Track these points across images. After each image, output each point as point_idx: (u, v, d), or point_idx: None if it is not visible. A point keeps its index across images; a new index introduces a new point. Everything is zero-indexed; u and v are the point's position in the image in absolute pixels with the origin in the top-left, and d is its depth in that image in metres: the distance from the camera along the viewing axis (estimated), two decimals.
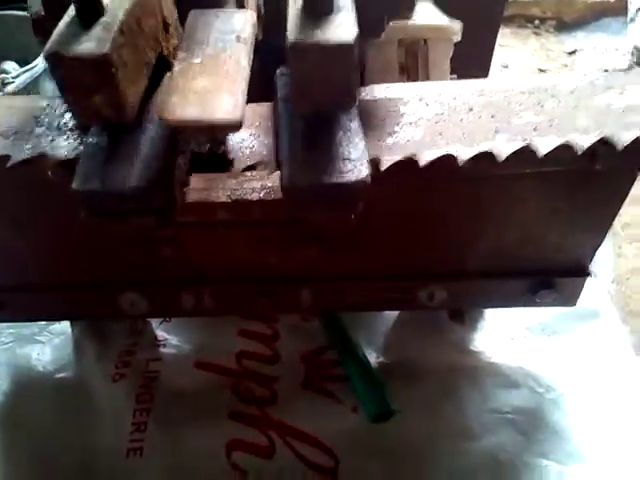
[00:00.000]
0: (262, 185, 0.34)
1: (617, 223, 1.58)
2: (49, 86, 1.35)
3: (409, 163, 0.31)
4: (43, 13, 0.32)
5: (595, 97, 0.33)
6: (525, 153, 0.30)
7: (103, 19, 0.27)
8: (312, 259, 0.42)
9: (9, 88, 1.24)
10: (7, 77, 1.25)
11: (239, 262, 0.42)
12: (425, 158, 0.30)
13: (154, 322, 0.54)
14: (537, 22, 2.44)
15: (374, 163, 0.31)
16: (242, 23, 0.31)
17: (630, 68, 2.13)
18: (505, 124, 0.31)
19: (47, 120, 0.34)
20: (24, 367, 0.51)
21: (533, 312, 0.51)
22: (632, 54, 2.15)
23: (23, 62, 1.31)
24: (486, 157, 0.30)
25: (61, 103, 0.36)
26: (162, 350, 0.52)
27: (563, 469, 0.44)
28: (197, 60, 0.29)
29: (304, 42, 0.25)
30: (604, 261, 0.48)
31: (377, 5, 0.31)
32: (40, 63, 1.27)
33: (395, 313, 0.53)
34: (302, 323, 0.53)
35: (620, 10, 2.32)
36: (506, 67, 2.23)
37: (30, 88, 1.28)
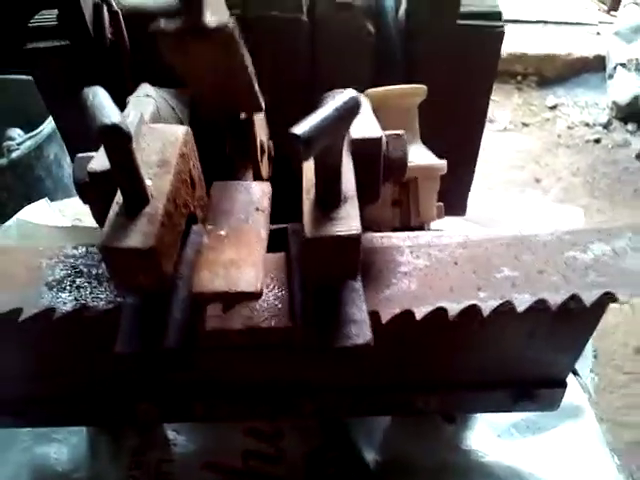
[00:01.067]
0: (272, 314, 0.39)
1: None
2: (52, 151, 1.41)
3: (406, 316, 0.35)
4: (87, 180, 0.37)
5: (564, 253, 0.38)
6: (505, 309, 0.35)
7: (147, 209, 0.32)
8: (316, 374, 0.46)
9: (14, 154, 1.30)
10: (12, 144, 1.31)
11: (248, 377, 0.46)
12: (420, 312, 0.35)
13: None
14: (520, 78, 2.57)
15: (375, 316, 0.35)
16: (260, 195, 0.36)
17: (609, 122, 2.25)
18: (486, 280, 0.37)
19: (86, 270, 0.39)
20: (43, 467, 0.54)
21: None
22: (611, 109, 2.27)
23: (24, 125, 1.36)
24: (471, 311, 0.35)
25: (97, 252, 0.40)
26: (172, 449, 0.55)
27: None
28: (223, 232, 0.34)
29: (319, 236, 0.30)
30: (585, 355, 0.52)
31: (377, 180, 0.36)
32: (44, 130, 1.32)
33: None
34: (304, 422, 0.56)
35: (599, 66, 2.46)
36: (491, 122, 2.34)
37: (33, 153, 1.33)
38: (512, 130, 2.35)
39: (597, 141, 2.23)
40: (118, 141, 0.27)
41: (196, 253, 0.35)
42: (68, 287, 0.38)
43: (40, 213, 0.76)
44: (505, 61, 2.58)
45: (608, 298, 0.34)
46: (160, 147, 0.36)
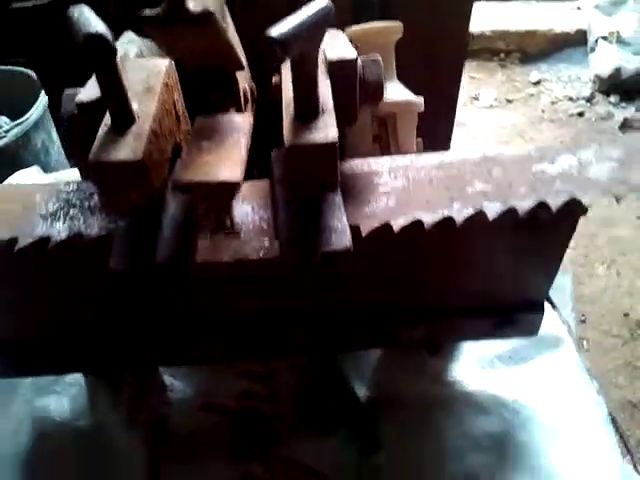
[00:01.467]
0: (260, 246, 0.41)
1: (590, 245, 1.68)
2: (39, 138, 1.41)
3: (385, 228, 0.37)
4: (76, 112, 0.38)
5: (532, 167, 0.40)
6: (477, 217, 0.37)
7: (134, 128, 0.33)
8: (304, 305, 0.48)
9: (1, 142, 1.30)
10: (0, 132, 1.31)
11: (241, 311, 0.48)
12: (398, 224, 0.37)
13: (161, 368, 0.59)
14: (502, 55, 2.59)
15: (356, 230, 0.37)
16: (241, 121, 0.38)
17: (592, 96, 2.28)
18: (459, 194, 0.38)
19: (78, 202, 0.40)
20: (43, 418, 0.56)
21: (502, 342, 0.58)
22: (594, 82, 2.30)
23: (14, 114, 1.37)
24: (446, 222, 0.37)
25: (88, 186, 0.42)
26: (169, 394, 0.57)
27: None
28: (205, 144, 0.35)
29: (298, 144, 0.32)
30: (564, 289, 0.54)
31: (353, 102, 0.38)
32: (30, 117, 1.33)
33: (379, 350, 0.59)
34: (297, 362, 0.58)
35: (580, 41, 2.48)
36: (476, 99, 2.36)
37: (20, 141, 1.33)
38: (497, 107, 2.38)
39: (581, 114, 2.26)
40: (104, 51, 0.29)
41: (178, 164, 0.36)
42: (62, 218, 0.39)
43: (31, 179, 0.77)
44: (487, 39, 2.60)
45: (573, 204, 0.36)
46: (144, 77, 0.38)
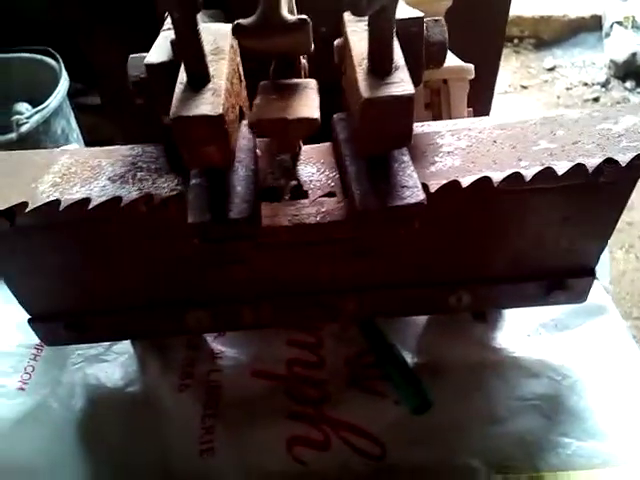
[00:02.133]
0: (317, 210, 0.41)
1: None
2: (59, 125, 1.42)
3: (453, 186, 0.38)
4: (143, 76, 0.39)
5: (596, 126, 0.40)
6: (546, 174, 0.37)
7: (210, 85, 0.34)
8: (357, 272, 0.49)
9: (23, 128, 1.31)
10: (21, 118, 1.32)
11: (296, 278, 0.49)
12: (466, 181, 0.37)
13: (209, 337, 0.60)
14: (516, 41, 2.58)
15: (424, 187, 0.38)
16: (307, 82, 0.38)
17: (608, 81, 2.26)
18: (525, 153, 0.39)
19: (145, 166, 0.41)
20: (96, 385, 0.57)
21: (546, 310, 0.58)
22: (609, 68, 2.28)
23: (35, 101, 1.38)
24: (516, 178, 0.37)
25: (153, 150, 0.42)
26: (220, 362, 0.58)
27: (582, 444, 0.50)
28: (274, 97, 0.36)
29: (377, 97, 0.32)
30: (603, 263, 0.55)
31: (419, 62, 0.38)
32: (50, 104, 1.34)
33: (425, 317, 0.59)
34: (343, 332, 0.59)
35: (595, 26, 2.47)
36: (496, 81, 2.35)
37: (41, 128, 1.34)
38: (512, 93, 2.36)
39: (596, 100, 2.24)
40: (189, 4, 0.29)
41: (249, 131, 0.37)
42: (130, 180, 0.40)
43: None
44: None
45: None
46: (212, 39, 0.38)
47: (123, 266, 0.46)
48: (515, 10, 2.56)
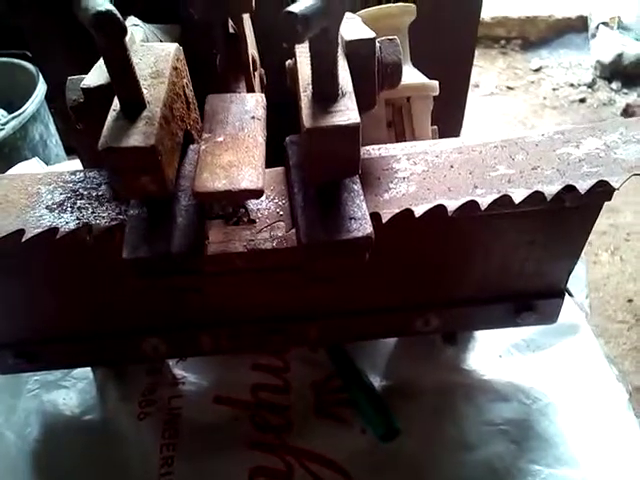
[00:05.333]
0: (272, 235, 0.39)
1: (593, 231, 1.68)
2: (37, 131, 1.39)
3: (406, 215, 0.36)
4: (82, 101, 0.37)
5: (556, 150, 0.39)
6: (503, 202, 0.36)
7: (145, 113, 0.32)
8: (318, 297, 0.47)
9: None
10: None
11: (254, 304, 0.47)
12: (420, 210, 0.36)
13: (171, 361, 0.58)
14: (503, 42, 2.57)
15: (376, 217, 0.36)
16: (254, 105, 0.36)
17: (594, 82, 2.26)
18: (482, 179, 0.37)
19: (86, 193, 0.39)
20: (52, 413, 0.55)
21: (518, 330, 0.57)
22: (595, 68, 2.28)
23: (11, 107, 1.35)
24: (471, 207, 0.36)
25: (96, 175, 0.40)
26: (181, 387, 0.56)
27: (553, 472, 0.49)
28: (220, 139, 0.34)
29: (319, 127, 0.30)
30: (578, 277, 0.53)
31: (372, 84, 0.36)
32: (27, 109, 1.31)
33: (394, 339, 0.58)
34: (310, 354, 0.57)
35: (581, 26, 2.46)
36: (477, 86, 2.34)
37: (18, 134, 1.32)
38: (498, 94, 2.36)
39: (582, 101, 2.24)
40: (114, 29, 0.27)
41: (196, 159, 0.35)
42: (69, 209, 0.38)
43: (31, 171, 0.76)
44: (487, 26, 2.57)
45: (601, 186, 0.35)
46: (153, 61, 0.36)
47: (70, 294, 0.44)
48: (501, 11, 2.55)
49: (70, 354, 0.49)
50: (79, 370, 0.57)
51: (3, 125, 1.31)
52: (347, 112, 0.31)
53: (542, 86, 2.37)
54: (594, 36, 2.42)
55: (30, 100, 1.33)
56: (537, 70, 2.47)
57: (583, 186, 0.35)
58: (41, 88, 1.35)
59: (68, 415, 0.55)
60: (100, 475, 0.51)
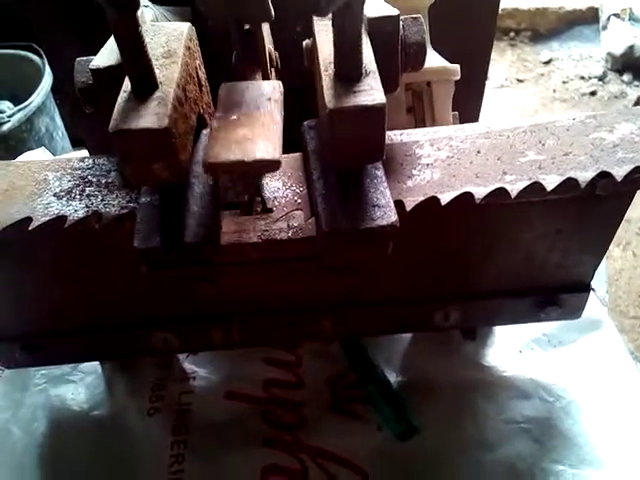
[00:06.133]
0: (289, 225, 0.38)
1: None
2: (43, 123, 1.38)
3: (431, 203, 0.34)
4: (91, 82, 0.35)
5: (589, 135, 0.37)
6: (534, 189, 0.34)
7: (157, 94, 0.30)
8: (334, 289, 0.45)
9: (5, 127, 1.27)
10: (3, 117, 1.28)
11: (267, 296, 0.45)
12: (446, 197, 0.34)
13: (181, 356, 0.56)
14: (512, 34, 2.54)
15: (399, 205, 0.34)
16: (271, 89, 0.34)
17: (605, 74, 2.23)
18: (511, 165, 0.35)
19: (95, 180, 0.37)
20: (60, 408, 0.53)
21: (539, 325, 0.55)
22: (606, 61, 2.24)
23: (17, 99, 1.34)
24: (500, 194, 0.34)
25: (105, 162, 0.39)
26: (192, 383, 0.54)
27: (577, 472, 0.47)
28: (234, 117, 0.32)
29: (343, 107, 0.28)
30: (599, 272, 0.52)
31: (395, 65, 0.34)
32: (33, 102, 1.30)
33: (411, 334, 0.56)
34: (323, 348, 0.56)
35: (592, 18, 2.43)
36: (486, 79, 2.31)
37: (24, 126, 1.31)
38: (507, 87, 2.33)
39: (593, 93, 2.21)
40: (126, 2, 0.26)
41: (202, 137, 0.33)
42: (78, 196, 0.36)
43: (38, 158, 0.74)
44: (497, 18, 2.55)
45: (638, 173, 0.33)
46: (164, 40, 0.34)
47: (79, 286, 0.43)
48: (511, 2, 2.52)
49: (78, 347, 0.48)
50: (87, 364, 0.56)
51: (9, 117, 1.30)
52: (372, 92, 0.29)
53: (552, 79, 2.34)
54: (605, 28, 2.38)
55: (36, 92, 1.32)
56: (547, 62, 2.44)
57: (619, 172, 0.33)
58: (47, 80, 1.33)
59: (76, 410, 0.53)
60: (108, 471, 0.49)
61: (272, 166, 0.27)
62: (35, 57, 1.39)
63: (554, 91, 2.25)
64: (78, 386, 0.55)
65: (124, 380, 0.54)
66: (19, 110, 1.29)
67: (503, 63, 2.44)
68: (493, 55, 2.38)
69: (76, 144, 1.46)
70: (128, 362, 0.56)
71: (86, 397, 0.54)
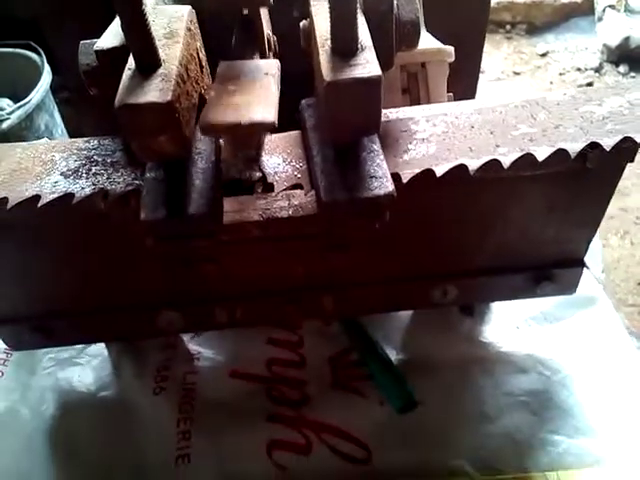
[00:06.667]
0: (289, 204, 0.39)
1: None
2: (42, 121, 1.39)
3: (427, 175, 0.35)
4: (95, 64, 0.36)
5: (579, 108, 0.38)
6: (526, 160, 0.35)
7: (160, 70, 0.31)
8: (334, 268, 0.46)
9: (5, 125, 1.28)
10: (2, 114, 1.29)
11: (269, 275, 0.46)
12: (441, 170, 0.35)
13: (185, 337, 0.57)
14: (508, 27, 2.55)
15: (396, 177, 0.35)
16: (269, 65, 0.35)
17: (601, 66, 2.23)
18: (503, 138, 0.36)
19: (100, 159, 0.38)
20: (68, 390, 0.55)
21: (535, 302, 0.56)
22: (602, 52, 2.25)
23: (16, 97, 1.35)
24: (493, 165, 0.35)
25: (110, 142, 0.40)
26: (197, 363, 0.55)
27: (573, 442, 0.48)
28: (232, 88, 0.33)
29: (339, 80, 0.30)
30: (594, 253, 0.53)
31: (390, 43, 0.36)
32: (33, 99, 1.31)
33: (409, 312, 0.57)
34: (324, 328, 0.57)
35: (587, 10, 2.43)
36: (483, 72, 2.31)
37: (24, 123, 1.31)
38: (504, 79, 2.34)
39: (589, 85, 2.21)
40: None
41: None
42: (84, 175, 0.37)
43: None
44: (493, 10, 2.54)
45: (626, 143, 0.34)
46: (166, 22, 0.36)
47: (86, 266, 0.44)
48: None
49: (86, 328, 0.49)
50: (93, 347, 0.57)
51: (9, 114, 1.31)
52: (368, 65, 0.30)
53: (548, 71, 2.34)
54: (600, 19, 2.39)
55: (35, 89, 1.32)
56: (543, 55, 2.45)
57: (608, 143, 0.34)
58: (46, 78, 1.34)
59: (83, 392, 0.55)
60: (117, 450, 0.50)
61: (267, 127, 0.28)
62: (34, 55, 1.40)
63: (551, 83, 2.26)
64: (85, 368, 0.56)
65: (130, 362, 0.56)
66: (19, 107, 1.30)
67: (499, 56, 2.44)
68: (489, 48, 2.39)
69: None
70: (134, 344, 0.57)
71: (93, 379, 0.55)
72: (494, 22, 2.56)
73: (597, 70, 2.29)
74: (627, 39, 2.21)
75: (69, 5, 0.58)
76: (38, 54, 1.38)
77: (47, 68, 1.34)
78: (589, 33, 2.45)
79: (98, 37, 0.39)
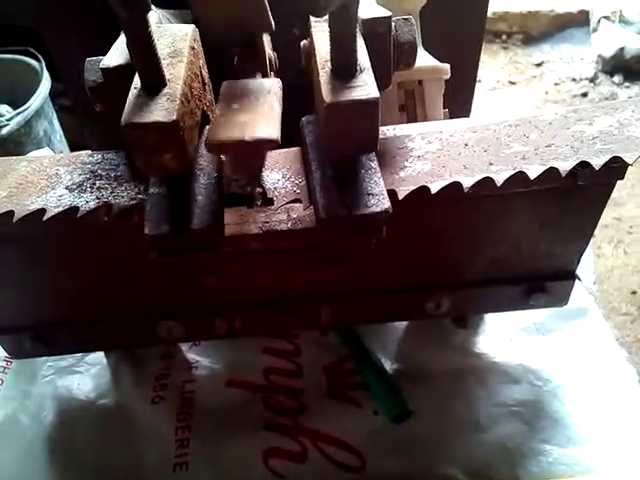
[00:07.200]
0: (288, 217, 0.40)
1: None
2: (41, 127, 1.40)
3: (422, 192, 0.36)
4: (101, 81, 0.37)
5: (570, 128, 0.39)
6: (518, 178, 0.36)
7: (165, 90, 0.32)
8: (332, 279, 0.47)
9: (4, 131, 1.29)
10: (2, 120, 1.30)
11: (268, 286, 0.47)
12: (436, 187, 0.36)
13: (184, 346, 0.58)
14: (504, 37, 2.57)
15: (392, 194, 0.36)
16: (271, 84, 0.36)
17: (596, 76, 2.26)
18: (496, 156, 0.38)
19: (104, 174, 0.39)
20: (67, 397, 0.55)
21: (528, 314, 0.57)
22: (597, 62, 2.28)
23: (15, 103, 1.35)
24: (486, 183, 0.36)
25: (114, 156, 0.41)
26: (195, 372, 0.56)
27: (564, 451, 0.49)
28: (235, 106, 0.34)
29: (339, 101, 0.31)
30: (586, 264, 0.54)
31: (387, 63, 0.37)
32: (32, 105, 1.32)
33: (405, 323, 0.58)
34: (321, 338, 0.58)
35: (583, 21, 2.46)
36: (479, 81, 2.34)
37: (23, 130, 1.32)
38: (500, 89, 2.36)
39: (584, 95, 2.24)
40: (137, 3, 0.28)
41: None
42: (89, 189, 0.38)
43: None
44: (489, 21, 2.57)
45: (615, 162, 0.36)
46: (170, 41, 0.37)
47: (88, 277, 0.45)
48: (503, 6, 2.55)
49: (86, 337, 0.50)
50: (92, 356, 0.58)
51: (8, 121, 1.32)
52: (366, 87, 0.31)
53: (544, 81, 2.37)
54: (595, 30, 2.42)
55: (34, 96, 1.33)
56: (539, 65, 2.47)
57: (597, 162, 0.35)
58: (45, 84, 1.35)
59: (82, 399, 0.55)
60: (115, 457, 0.51)
61: (271, 145, 0.29)
62: (33, 61, 1.41)
63: (546, 93, 2.29)
64: (84, 377, 0.57)
65: (129, 370, 0.56)
66: (18, 114, 1.31)
67: (495, 66, 2.47)
68: (485, 58, 2.41)
69: (74, 148, 1.47)
70: (132, 353, 0.58)
71: (92, 387, 0.56)
72: (491, 32, 2.58)
73: (592, 80, 2.31)
74: (622, 49, 2.23)
75: (68, 12, 0.59)
76: (37, 60, 1.39)
77: (46, 74, 1.35)
78: (584, 43, 2.48)
79: (97, 45, 0.40)
